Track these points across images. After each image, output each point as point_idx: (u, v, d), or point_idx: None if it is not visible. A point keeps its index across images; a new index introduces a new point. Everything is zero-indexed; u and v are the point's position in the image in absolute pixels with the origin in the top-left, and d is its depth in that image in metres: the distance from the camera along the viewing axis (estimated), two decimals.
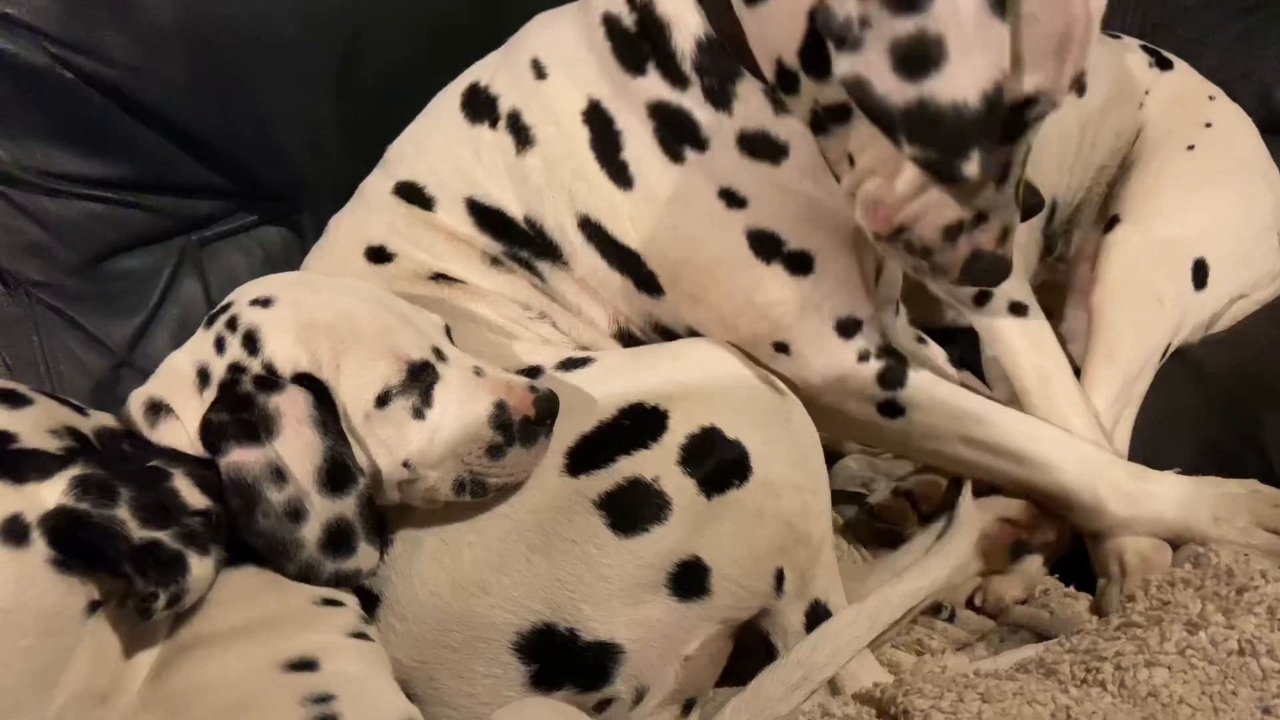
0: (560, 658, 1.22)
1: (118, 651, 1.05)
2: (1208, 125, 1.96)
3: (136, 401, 1.21)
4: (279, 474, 1.14)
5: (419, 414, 1.21)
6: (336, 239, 1.60)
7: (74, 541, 1.00)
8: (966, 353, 1.83)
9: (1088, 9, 1.16)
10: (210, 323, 1.24)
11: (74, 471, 1.02)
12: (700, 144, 1.40)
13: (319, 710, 1.04)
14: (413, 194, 1.54)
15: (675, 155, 1.41)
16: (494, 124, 1.51)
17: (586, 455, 1.27)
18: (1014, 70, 1.13)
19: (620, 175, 1.44)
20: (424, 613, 1.23)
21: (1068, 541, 1.59)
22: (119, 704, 1.04)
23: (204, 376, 1.21)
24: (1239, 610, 1.23)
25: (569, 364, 1.38)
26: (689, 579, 1.24)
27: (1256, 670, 1.19)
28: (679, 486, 1.24)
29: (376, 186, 1.60)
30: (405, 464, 1.21)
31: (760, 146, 1.38)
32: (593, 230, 1.46)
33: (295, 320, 1.21)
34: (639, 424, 1.28)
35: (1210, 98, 2.03)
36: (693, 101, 1.40)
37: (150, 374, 1.25)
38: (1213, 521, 1.44)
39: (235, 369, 1.19)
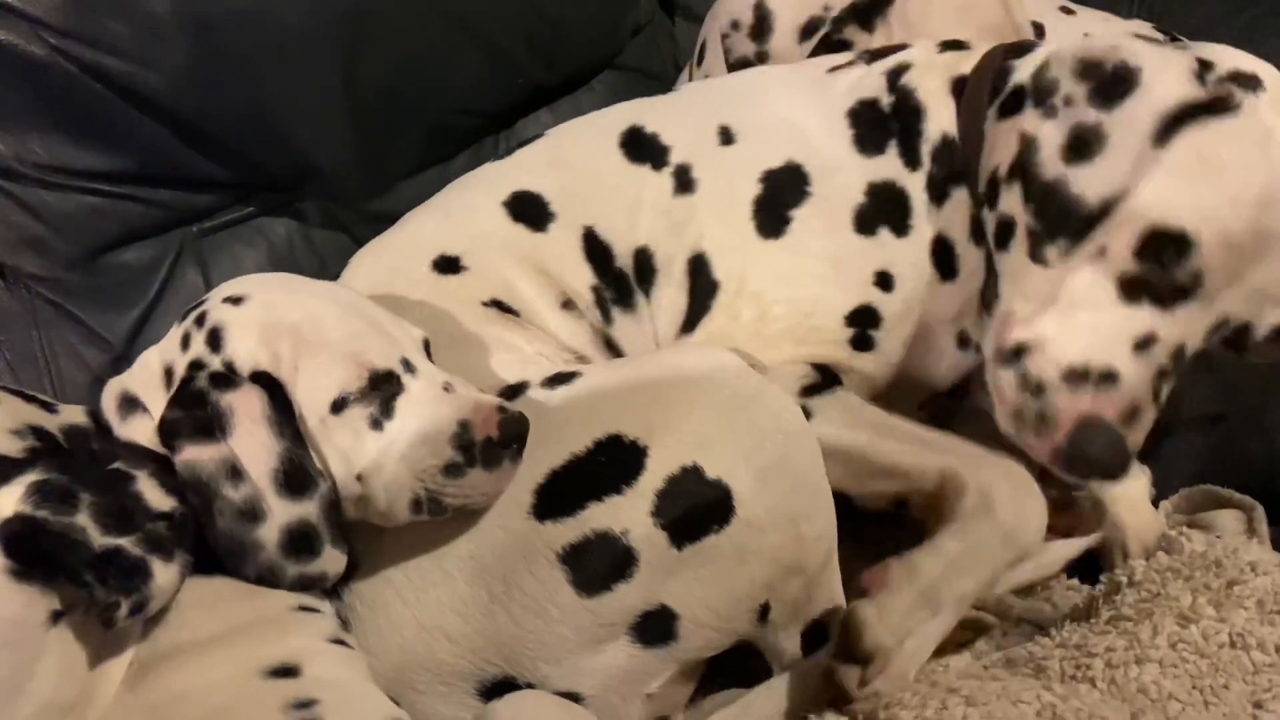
0: None
1: (86, 661, 1.02)
2: None
3: (110, 393, 1.20)
4: (235, 472, 1.12)
5: (377, 424, 1.18)
6: (408, 237, 1.56)
7: (32, 551, 0.97)
8: None
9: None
10: (183, 319, 1.23)
11: (33, 477, 0.99)
12: (901, 229, 1.44)
13: (302, 715, 1.02)
14: (528, 207, 1.52)
15: (866, 229, 1.44)
16: (658, 168, 1.52)
17: (556, 496, 1.20)
18: (1137, 197, 1.23)
19: (771, 226, 1.45)
20: (388, 649, 1.21)
21: None
22: (91, 714, 1.03)
23: (169, 373, 1.20)
24: (1230, 603, 1.23)
25: (555, 380, 1.30)
26: (654, 627, 1.20)
27: (1248, 663, 1.18)
28: (649, 539, 1.18)
29: (483, 189, 1.57)
30: (359, 476, 1.18)
31: (944, 258, 1.42)
32: (698, 266, 1.47)
33: (261, 319, 1.19)
34: (614, 462, 1.20)
35: None
36: (914, 188, 1.44)
37: None
38: None
39: (195, 365, 1.18)
